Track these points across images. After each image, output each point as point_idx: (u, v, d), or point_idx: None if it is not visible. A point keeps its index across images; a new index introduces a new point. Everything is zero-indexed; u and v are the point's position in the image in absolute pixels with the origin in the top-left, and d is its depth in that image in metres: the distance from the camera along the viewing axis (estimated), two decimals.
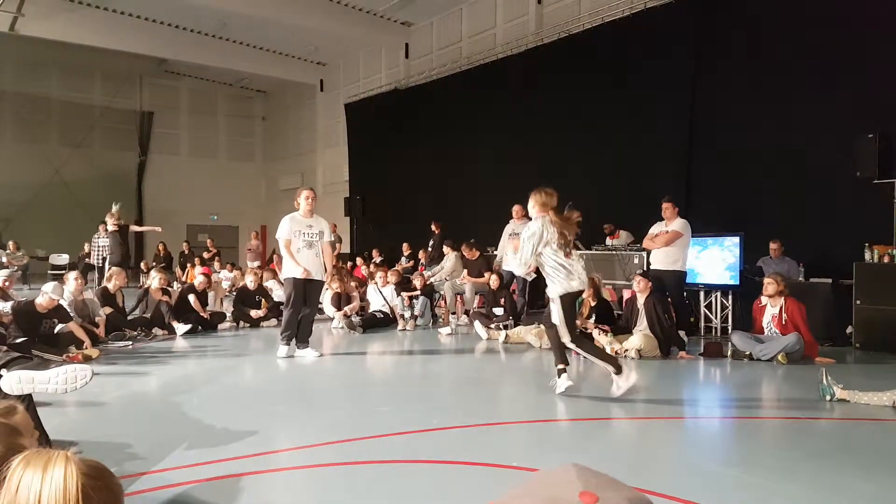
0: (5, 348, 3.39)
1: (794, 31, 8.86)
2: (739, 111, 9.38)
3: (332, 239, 6.84)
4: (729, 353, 6.64)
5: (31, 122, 20.30)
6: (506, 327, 8.06)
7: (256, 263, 14.98)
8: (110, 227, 11.66)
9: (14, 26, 14.66)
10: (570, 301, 4.81)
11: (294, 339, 6.70)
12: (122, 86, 21.92)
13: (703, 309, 8.56)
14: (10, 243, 16.44)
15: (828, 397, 4.66)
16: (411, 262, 13.00)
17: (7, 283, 7.91)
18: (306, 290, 6.63)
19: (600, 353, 4.94)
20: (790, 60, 8.85)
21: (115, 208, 11.84)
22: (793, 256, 8.41)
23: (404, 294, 9.46)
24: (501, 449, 3.65)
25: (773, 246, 8.48)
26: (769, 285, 6.63)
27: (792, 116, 8.81)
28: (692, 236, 7.57)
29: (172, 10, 15.97)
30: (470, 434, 3.91)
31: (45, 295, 6.40)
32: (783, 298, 6.59)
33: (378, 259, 13.40)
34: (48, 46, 17.15)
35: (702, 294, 8.59)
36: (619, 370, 4.71)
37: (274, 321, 9.41)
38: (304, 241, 6.55)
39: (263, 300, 9.53)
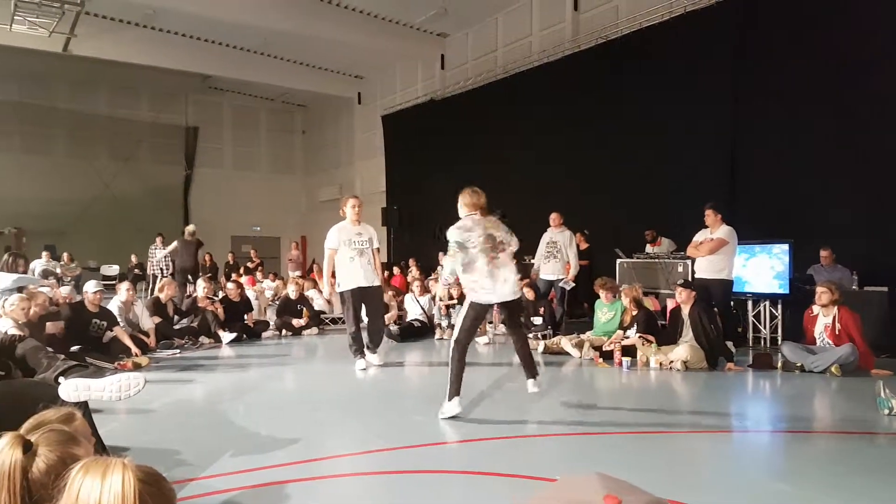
0: (63, 357, 3.50)
1: (841, 29, 8.62)
2: (785, 114, 9.15)
3: (379, 246, 6.83)
4: (779, 364, 6.45)
5: (83, 139, 21.03)
6: (544, 337, 8.00)
7: (297, 273, 15.20)
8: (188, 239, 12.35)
9: (67, 47, 15.24)
10: (482, 311, 4.68)
11: (364, 351, 6.66)
12: (168, 102, 22.59)
13: (751, 319, 8.34)
14: (65, 255, 17.05)
15: (886, 411, 4.48)
16: None
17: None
18: (364, 300, 6.58)
19: (457, 375, 4.62)
20: (838, 59, 8.60)
21: (191, 227, 12.66)
22: (844, 264, 8.14)
23: (441, 303, 9.47)
24: (539, 461, 3.62)
25: (823, 253, 8.22)
26: (823, 294, 6.42)
27: (841, 118, 8.54)
28: (738, 244, 7.40)
29: (216, 28, 16.40)
30: (507, 445, 3.88)
31: (89, 292, 6.70)
32: (836, 308, 6.36)
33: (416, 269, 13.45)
34: (98, 65, 17.80)
35: (750, 303, 8.37)
36: (450, 397, 4.51)
37: (315, 330, 9.55)
38: (356, 248, 6.49)
39: (305, 309, 9.67)
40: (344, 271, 6.49)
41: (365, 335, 6.76)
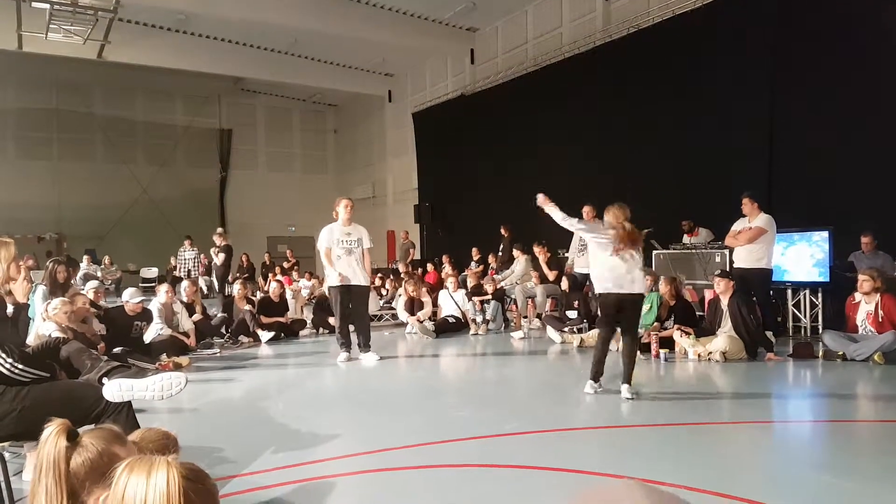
0: (106, 358, 3.59)
1: (886, 4, 8.35)
2: (822, 99, 8.90)
3: (371, 245, 7.08)
4: (820, 353, 6.32)
5: (120, 144, 21.50)
6: (580, 331, 7.93)
7: None
8: (219, 244, 12.55)
9: (102, 53, 15.59)
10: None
11: (350, 346, 6.92)
12: (202, 105, 22.97)
13: (790, 308, 8.16)
14: (105, 258, 17.51)
15: None
16: (481, 267, 12.99)
17: (98, 294, 8.33)
18: (351, 296, 6.87)
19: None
20: (880, 39, 8.34)
21: (220, 230, 12.96)
22: (886, 250, 7.90)
23: (476, 299, 9.48)
24: (579, 455, 3.59)
25: (864, 240, 7.99)
26: (865, 282, 6.26)
27: (881, 101, 8.29)
28: (777, 232, 7.24)
29: (247, 31, 16.61)
30: (546, 439, 3.87)
31: (130, 302, 6.86)
32: (879, 295, 6.20)
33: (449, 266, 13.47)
34: (133, 71, 18.18)
35: (789, 292, 8.19)
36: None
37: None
38: (344, 248, 6.82)
39: None
40: (329, 269, 6.82)
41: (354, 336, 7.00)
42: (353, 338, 6.99)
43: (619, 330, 5.13)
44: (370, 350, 6.93)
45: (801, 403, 5.12)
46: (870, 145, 8.36)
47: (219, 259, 13.03)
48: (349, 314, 6.93)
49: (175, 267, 15.09)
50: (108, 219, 20.51)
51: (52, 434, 1.41)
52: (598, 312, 5.22)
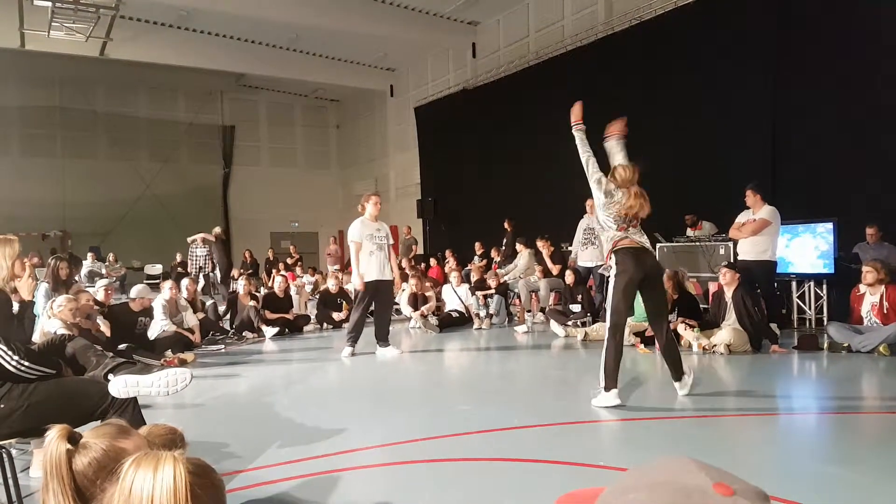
0: (111, 354, 3.61)
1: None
2: (826, 88, 8.85)
3: (392, 242, 7.08)
4: (825, 345, 6.30)
5: (123, 141, 21.53)
6: (584, 324, 7.93)
7: (336, 267, 15.35)
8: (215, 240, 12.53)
9: (104, 51, 15.60)
10: None
11: (357, 342, 6.89)
12: (204, 102, 22.98)
13: (795, 300, 8.15)
14: (110, 255, 17.56)
15: None
16: (484, 262, 12.99)
17: (109, 293, 8.39)
18: (378, 291, 6.83)
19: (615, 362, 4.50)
20: (884, 29, 8.28)
21: (217, 230, 12.87)
22: (891, 241, 7.88)
23: (479, 293, 9.48)
24: (585, 448, 3.60)
25: (869, 231, 7.96)
26: (868, 274, 6.25)
27: (884, 89, 8.23)
28: (781, 224, 7.22)
29: (248, 27, 16.59)
30: (551, 432, 3.87)
31: (137, 298, 6.90)
32: (884, 286, 6.19)
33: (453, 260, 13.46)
34: (135, 68, 18.22)
35: (794, 284, 8.17)
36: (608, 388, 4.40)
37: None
38: (376, 244, 6.77)
39: (344, 303, 9.77)
40: (363, 264, 6.73)
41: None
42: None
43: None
44: (388, 345, 6.94)
45: (805, 395, 5.12)
46: (875, 133, 8.30)
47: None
48: (369, 310, 6.95)
49: (184, 263, 15.11)
50: (113, 216, 20.56)
51: (53, 440, 1.41)
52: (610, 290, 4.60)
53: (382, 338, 6.95)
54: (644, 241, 4.61)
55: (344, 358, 6.75)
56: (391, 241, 7.01)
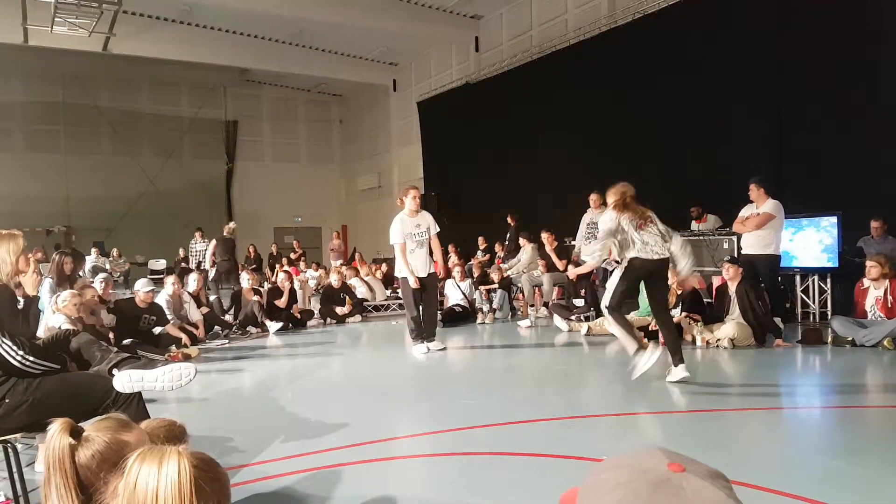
0: (116, 349, 3.62)
1: None
2: (831, 81, 8.80)
3: (438, 230, 6.95)
4: (829, 339, 6.29)
5: (126, 136, 21.53)
6: (587, 318, 7.93)
7: (340, 262, 15.37)
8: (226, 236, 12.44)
9: (107, 46, 15.59)
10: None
11: (423, 335, 6.79)
12: (207, 97, 22.96)
13: (799, 294, 8.13)
14: (114, 251, 17.60)
15: None
16: (487, 256, 12.99)
17: (105, 287, 8.37)
18: (422, 287, 6.76)
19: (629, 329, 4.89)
20: (887, 23, 8.23)
21: (231, 225, 12.63)
22: None
23: (482, 288, 9.48)
24: (588, 442, 3.60)
25: (874, 224, 7.92)
26: (872, 268, 6.23)
27: (889, 83, 8.18)
28: (785, 217, 7.19)
29: (251, 21, 16.55)
30: (555, 427, 3.88)
31: (140, 291, 6.90)
32: (888, 280, 6.17)
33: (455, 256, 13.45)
34: (138, 63, 18.19)
35: (798, 278, 8.15)
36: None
37: (358, 317, 9.67)
38: (416, 241, 6.71)
39: (348, 298, 9.79)
40: (404, 264, 6.66)
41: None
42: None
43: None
44: (434, 339, 6.91)
45: (810, 390, 5.11)
46: (879, 126, 8.25)
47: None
48: (419, 304, 6.87)
49: (185, 258, 15.13)
50: (116, 211, 20.59)
51: (55, 433, 1.42)
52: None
53: (431, 332, 6.88)
54: (658, 248, 4.71)
55: (420, 355, 6.61)
56: (436, 230, 6.88)
